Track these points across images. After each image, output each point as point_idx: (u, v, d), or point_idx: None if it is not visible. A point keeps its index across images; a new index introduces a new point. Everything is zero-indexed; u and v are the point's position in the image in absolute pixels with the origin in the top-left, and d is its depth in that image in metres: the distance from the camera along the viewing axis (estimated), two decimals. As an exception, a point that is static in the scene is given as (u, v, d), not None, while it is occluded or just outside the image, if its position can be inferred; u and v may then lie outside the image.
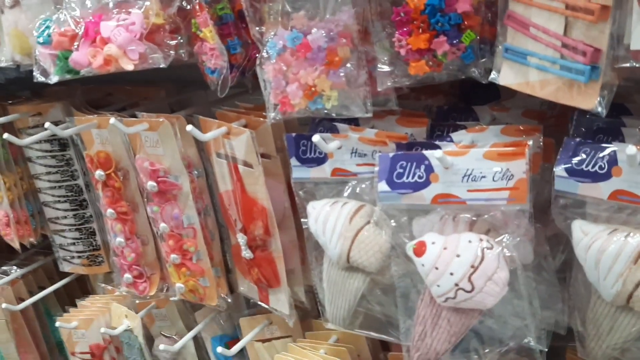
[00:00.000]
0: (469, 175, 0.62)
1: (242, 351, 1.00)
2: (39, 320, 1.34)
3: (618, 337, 0.62)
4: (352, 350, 0.89)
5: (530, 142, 0.62)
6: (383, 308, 0.77)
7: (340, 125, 0.74)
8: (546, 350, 0.69)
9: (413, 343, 0.71)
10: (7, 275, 1.26)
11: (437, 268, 0.64)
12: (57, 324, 1.06)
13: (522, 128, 0.67)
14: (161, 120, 0.83)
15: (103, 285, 1.15)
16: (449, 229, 0.66)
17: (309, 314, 0.99)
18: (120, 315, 1.04)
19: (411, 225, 0.69)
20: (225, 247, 0.95)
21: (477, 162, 0.62)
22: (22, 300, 1.23)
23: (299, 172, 0.76)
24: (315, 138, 0.67)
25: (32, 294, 1.25)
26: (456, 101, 0.83)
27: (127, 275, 1.00)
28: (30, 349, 1.32)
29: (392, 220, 0.69)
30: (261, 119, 0.79)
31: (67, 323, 1.05)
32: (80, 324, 1.05)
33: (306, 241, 0.79)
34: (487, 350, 0.69)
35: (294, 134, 0.74)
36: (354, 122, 0.75)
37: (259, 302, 0.91)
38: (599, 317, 0.63)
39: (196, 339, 1.07)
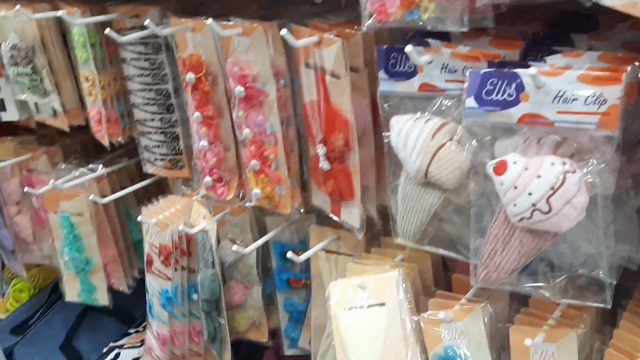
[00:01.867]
0: (561, 97, 0.62)
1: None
2: (119, 218, 1.43)
3: None
4: (416, 270, 0.91)
5: (629, 69, 0.61)
6: (454, 227, 0.79)
7: (432, 42, 0.74)
8: (615, 283, 0.69)
9: (482, 261, 0.72)
10: (94, 172, 1.34)
11: (515, 187, 0.64)
12: (139, 218, 1.12)
13: (620, 56, 0.65)
14: (255, 25, 0.85)
15: (183, 187, 1.20)
16: (532, 152, 0.66)
17: (376, 236, 1.01)
18: (199, 216, 1.09)
19: (493, 146, 0.69)
20: (303, 160, 0.98)
21: (571, 84, 0.61)
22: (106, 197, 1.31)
23: (386, 85, 0.77)
24: (408, 48, 0.68)
25: (114, 193, 1.33)
26: (552, 29, 0.81)
27: (208, 178, 1.04)
28: (109, 244, 1.41)
29: (475, 139, 0.70)
30: (352, 31, 0.80)
31: (148, 219, 1.12)
32: (158, 223, 1.11)
33: (385, 156, 0.81)
34: (555, 275, 0.69)
35: (384, 46, 0.75)
36: (446, 40, 0.75)
37: (330, 214, 0.94)
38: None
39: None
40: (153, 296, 1.23)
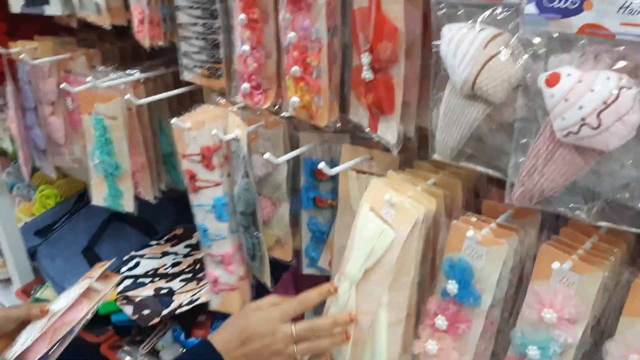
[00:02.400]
0: (627, 7, 0.60)
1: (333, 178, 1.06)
2: (152, 128, 1.43)
3: None
4: (447, 195, 0.91)
5: None
6: (493, 146, 0.78)
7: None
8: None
9: (519, 178, 0.71)
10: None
11: (566, 100, 0.63)
12: (173, 121, 1.12)
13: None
14: None
15: (217, 98, 1.20)
16: (588, 67, 0.64)
17: (409, 159, 1.01)
18: (233, 124, 1.09)
19: (548, 59, 0.67)
20: (345, 75, 0.97)
21: (640, -6, 0.59)
22: (141, 104, 1.32)
23: (441, -9, 0.75)
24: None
25: (150, 99, 1.33)
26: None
27: (246, 85, 1.04)
28: (139, 152, 1.42)
29: (529, 51, 0.68)
30: None
31: (182, 123, 1.11)
32: (193, 125, 1.11)
33: (431, 67, 0.79)
34: (594, 197, 0.68)
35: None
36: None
37: (367, 129, 0.93)
38: None
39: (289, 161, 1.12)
40: (205, 217, 1.20)
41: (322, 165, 0.94)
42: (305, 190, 1.16)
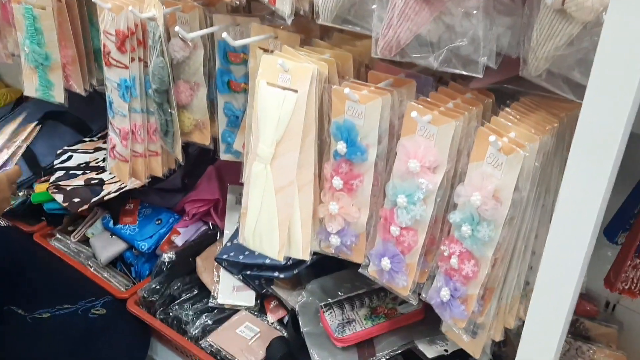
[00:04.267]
0: None
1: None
2: (82, 22, 1.48)
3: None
4: (339, 65, 1.00)
5: None
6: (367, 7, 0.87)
7: None
8: (495, 68, 0.79)
9: (381, 31, 0.81)
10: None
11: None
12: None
13: None
14: None
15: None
16: None
17: (309, 40, 1.10)
18: (150, 5, 1.16)
19: None
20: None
21: None
22: None
23: None
24: None
25: None
26: None
27: (161, -36, 1.11)
28: (69, 45, 1.47)
29: None
30: None
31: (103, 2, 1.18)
32: (113, 7, 1.18)
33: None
34: (441, 46, 0.78)
35: None
36: None
37: (266, 2, 1.01)
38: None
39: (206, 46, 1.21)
40: (112, 91, 1.31)
41: (225, 35, 1.02)
42: (220, 74, 1.25)
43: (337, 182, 0.98)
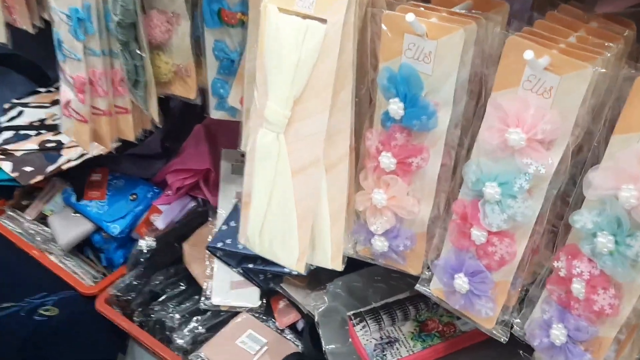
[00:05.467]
0: None
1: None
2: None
3: None
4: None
5: None
6: None
7: None
8: None
9: None
10: None
11: None
12: None
13: None
14: None
15: None
16: None
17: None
18: None
19: None
20: None
21: None
22: None
23: None
24: None
25: None
26: None
27: None
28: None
29: None
30: None
31: None
32: None
33: None
34: None
35: None
36: None
37: None
38: None
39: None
40: (60, 26, 0.96)
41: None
42: (208, 1, 0.89)
43: (388, 160, 0.65)
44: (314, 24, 0.63)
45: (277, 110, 0.66)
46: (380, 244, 0.70)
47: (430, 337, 0.89)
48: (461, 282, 0.64)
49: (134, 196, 1.24)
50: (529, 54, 0.52)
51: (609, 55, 0.55)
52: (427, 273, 0.71)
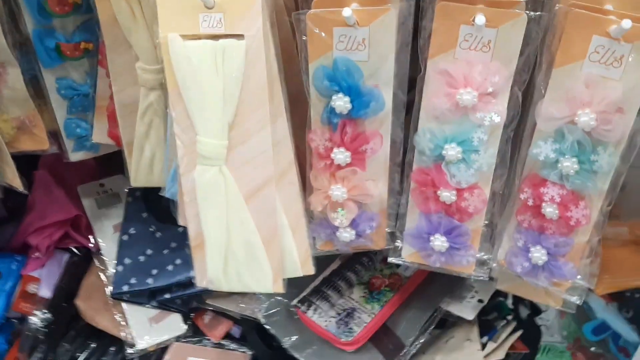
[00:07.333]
0: None
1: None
2: None
3: None
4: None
5: None
6: None
7: None
8: None
9: None
10: None
11: None
12: None
13: None
14: None
15: None
16: None
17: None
18: None
19: None
20: None
21: None
22: None
23: None
24: None
25: None
26: None
27: None
28: None
29: None
30: None
31: None
32: None
33: None
34: None
35: None
36: None
37: None
38: None
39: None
40: None
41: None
42: (39, 38, 0.77)
43: (342, 155, 0.63)
44: (230, 42, 0.57)
45: (212, 143, 0.60)
46: (347, 235, 0.69)
47: (382, 294, 0.91)
48: (439, 242, 0.67)
49: (-4, 274, 1.06)
50: (480, 20, 0.53)
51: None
52: (392, 244, 0.72)
